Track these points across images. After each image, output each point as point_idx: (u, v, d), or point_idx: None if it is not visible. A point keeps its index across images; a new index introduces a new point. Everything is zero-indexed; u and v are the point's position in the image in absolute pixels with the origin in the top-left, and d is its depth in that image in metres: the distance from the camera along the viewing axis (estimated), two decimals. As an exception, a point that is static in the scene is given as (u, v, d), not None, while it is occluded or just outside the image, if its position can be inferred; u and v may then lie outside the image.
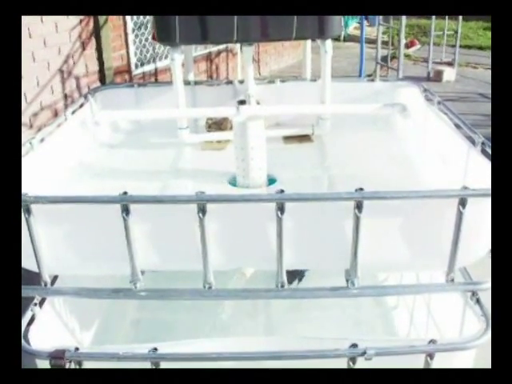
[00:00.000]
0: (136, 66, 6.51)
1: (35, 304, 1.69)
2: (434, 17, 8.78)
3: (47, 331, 1.73)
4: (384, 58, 8.44)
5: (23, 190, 1.43)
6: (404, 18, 7.57)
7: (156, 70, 6.83)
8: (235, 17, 2.20)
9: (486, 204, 1.41)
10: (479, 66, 9.77)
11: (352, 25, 13.31)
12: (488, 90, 7.83)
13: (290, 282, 1.54)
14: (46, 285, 1.58)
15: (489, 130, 1.52)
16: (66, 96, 5.45)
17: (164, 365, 1.47)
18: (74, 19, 5.43)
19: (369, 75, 7.89)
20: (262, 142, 2.05)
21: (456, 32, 8.97)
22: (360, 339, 1.46)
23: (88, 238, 1.54)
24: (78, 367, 1.48)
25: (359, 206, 1.40)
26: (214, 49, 7.78)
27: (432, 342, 1.47)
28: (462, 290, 1.72)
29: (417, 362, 1.49)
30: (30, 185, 1.54)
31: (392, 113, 2.27)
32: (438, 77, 8.83)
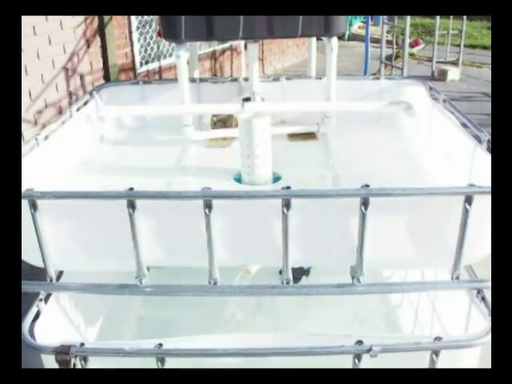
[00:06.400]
0: (140, 64, 6.51)
1: (40, 299, 1.69)
2: (438, 16, 8.76)
3: (52, 326, 1.74)
4: (388, 57, 8.43)
5: (29, 186, 1.44)
6: (408, 17, 7.56)
7: (160, 68, 6.84)
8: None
9: None
10: (484, 65, 9.74)
11: (356, 24, 13.30)
12: (493, 90, 7.79)
13: (298, 279, 1.54)
14: (51, 280, 1.58)
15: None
16: (70, 93, 5.46)
17: (169, 360, 1.47)
18: (78, 17, 5.43)
19: (373, 74, 7.88)
20: (267, 139, 2.05)
21: (460, 31, 8.96)
22: (365, 336, 1.46)
23: (94, 233, 1.54)
24: (83, 362, 1.48)
25: (365, 203, 1.40)
26: (218, 47, 7.78)
27: (437, 339, 1.47)
28: (467, 287, 1.72)
29: (422, 359, 1.49)
30: (35, 181, 1.55)
31: (397, 111, 2.27)
32: (442, 76, 8.81)
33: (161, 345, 1.46)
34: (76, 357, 1.47)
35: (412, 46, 10.63)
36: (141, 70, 6.51)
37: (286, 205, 1.40)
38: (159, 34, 6.20)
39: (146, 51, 6.58)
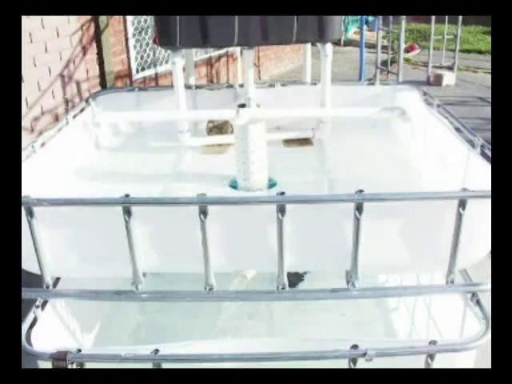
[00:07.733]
0: (137, 71, 6.53)
1: (37, 306, 1.70)
2: (433, 21, 8.81)
3: (49, 333, 1.74)
4: (384, 63, 8.46)
5: (25, 193, 1.44)
6: (404, 22, 7.59)
7: (156, 74, 6.85)
8: (236, 20, 2.21)
9: (486, 205, 1.41)
10: (479, 70, 9.79)
11: (352, 29, 13.35)
12: (487, 94, 7.85)
13: (294, 284, 1.55)
14: (48, 287, 1.59)
15: (489, 134, 1.52)
16: (66, 100, 5.47)
17: (165, 366, 1.47)
18: (74, 24, 5.45)
19: (369, 79, 7.91)
20: (262, 145, 2.06)
21: (455, 36, 9.00)
22: (361, 340, 1.47)
23: (90, 240, 1.55)
24: (79, 368, 1.49)
25: (359, 208, 1.41)
26: (214, 53, 7.80)
27: (432, 342, 1.48)
28: (462, 291, 1.73)
29: (417, 363, 1.50)
30: (32, 187, 1.55)
31: (391, 117, 2.28)
32: (437, 81, 8.85)
33: (157, 350, 1.46)
34: (73, 363, 1.47)
35: (407, 51, 10.67)
36: (137, 76, 6.53)
37: (281, 210, 1.41)
38: (155, 41, 6.23)
39: (142, 58, 6.60)
